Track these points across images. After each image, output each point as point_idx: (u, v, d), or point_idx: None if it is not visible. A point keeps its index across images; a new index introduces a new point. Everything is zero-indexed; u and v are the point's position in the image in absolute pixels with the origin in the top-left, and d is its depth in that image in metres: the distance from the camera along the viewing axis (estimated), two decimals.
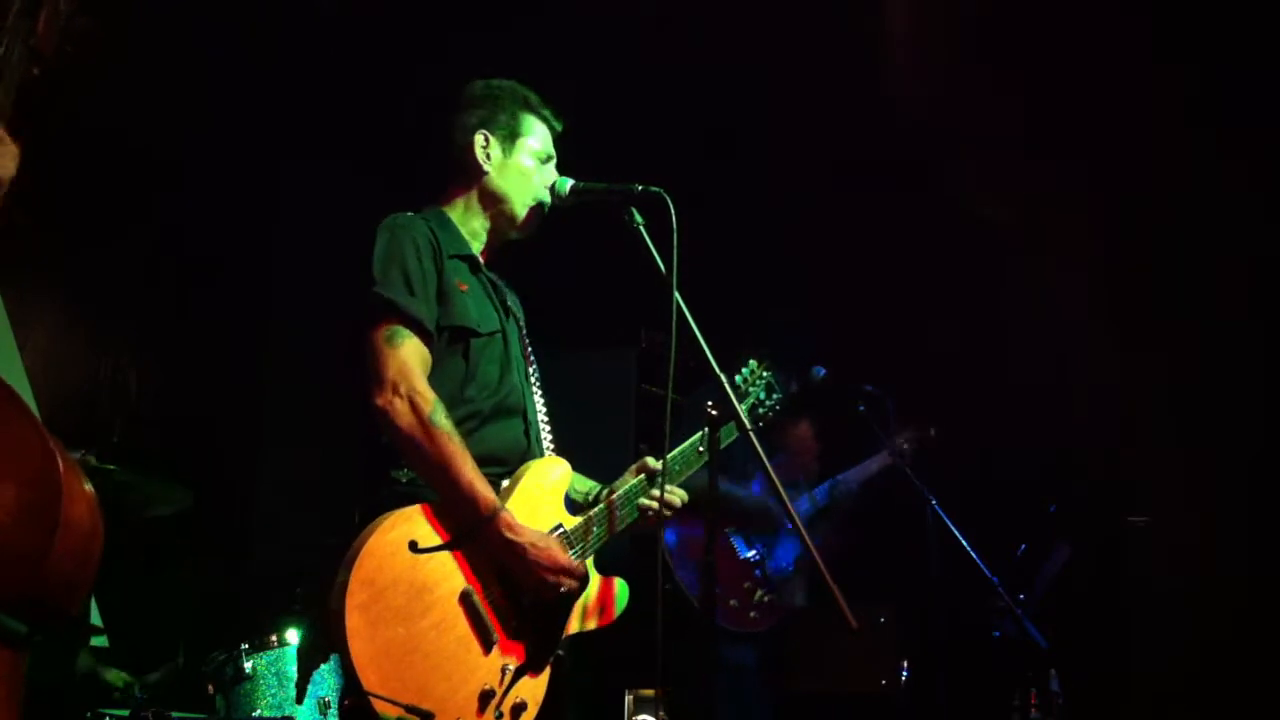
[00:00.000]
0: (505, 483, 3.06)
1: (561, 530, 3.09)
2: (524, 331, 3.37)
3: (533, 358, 3.34)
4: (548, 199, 3.27)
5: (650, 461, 3.28)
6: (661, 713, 3.27)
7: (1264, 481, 5.08)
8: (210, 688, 4.43)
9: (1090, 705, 4.99)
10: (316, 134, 5.67)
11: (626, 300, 4.87)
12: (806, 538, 2.74)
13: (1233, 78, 5.07)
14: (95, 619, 4.71)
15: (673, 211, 2.94)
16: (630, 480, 3.27)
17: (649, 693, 3.59)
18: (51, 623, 2.20)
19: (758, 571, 5.07)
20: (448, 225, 3.22)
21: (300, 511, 5.45)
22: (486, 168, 3.26)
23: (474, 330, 3.10)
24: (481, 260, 3.27)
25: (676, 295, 2.93)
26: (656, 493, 3.21)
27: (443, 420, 2.89)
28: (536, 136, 3.31)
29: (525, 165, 3.27)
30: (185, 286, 5.55)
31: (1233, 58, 5.05)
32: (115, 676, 4.47)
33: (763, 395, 3.59)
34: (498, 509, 2.90)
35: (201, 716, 4.44)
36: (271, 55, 5.40)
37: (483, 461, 2.97)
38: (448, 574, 2.84)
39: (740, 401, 3.40)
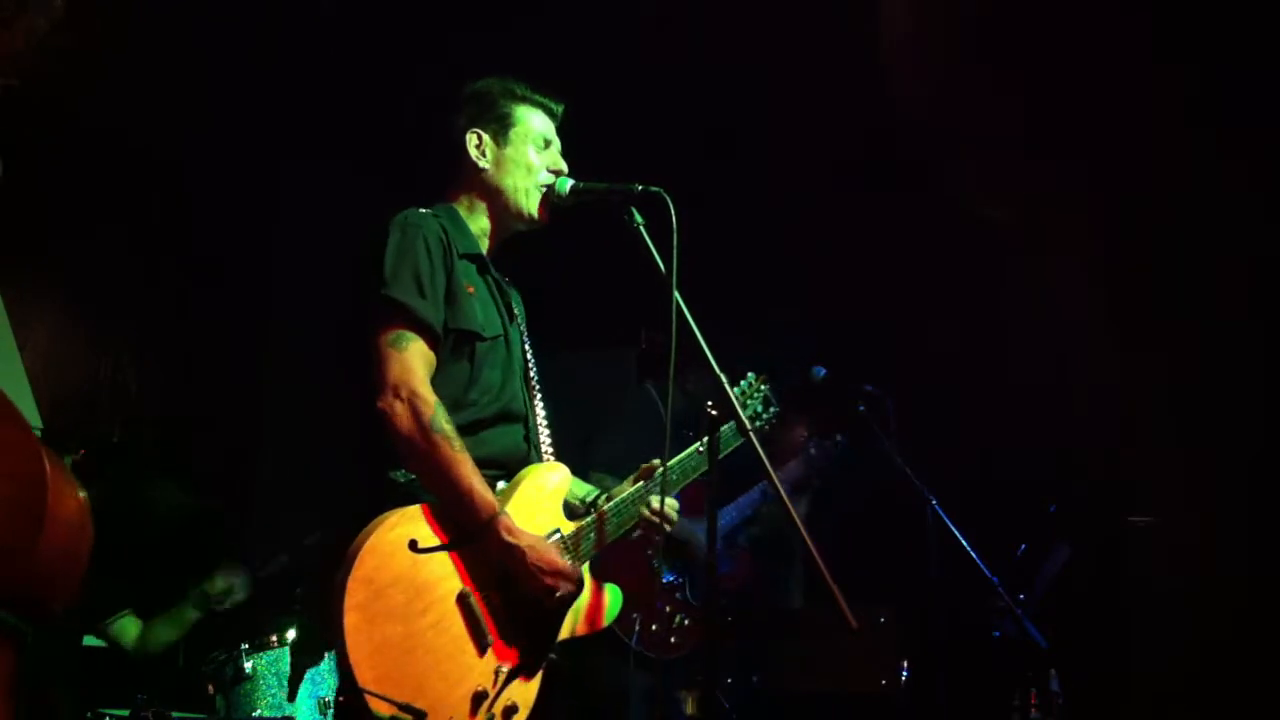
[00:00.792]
0: (502, 484, 3.07)
1: (559, 535, 3.09)
2: (525, 334, 3.37)
3: (533, 361, 3.34)
4: (551, 180, 3.27)
5: (656, 463, 3.28)
6: None
7: (1264, 481, 5.08)
8: (210, 688, 4.43)
9: (1090, 705, 4.98)
10: (316, 134, 5.68)
11: (626, 300, 4.87)
12: (809, 540, 2.72)
13: (1233, 77, 5.07)
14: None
15: (673, 211, 2.94)
16: (629, 488, 3.27)
17: None
18: (37, 616, 2.21)
19: (679, 595, 4.99)
20: (458, 222, 3.22)
21: (300, 511, 5.45)
22: (483, 164, 3.27)
23: (479, 334, 3.10)
24: (488, 260, 3.27)
25: (676, 295, 2.94)
26: (654, 502, 3.22)
27: (443, 424, 2.89)
28: (531, 122, 3.31)
29: (523, 154, 3.27)
30: (185, 286, 5.55)
31: (1233, 57, 5.05)
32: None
33: (759, 409, 3.61)
34: (497, 513, 2.91)
35: (201, 716, 4.44)
36: (272, 55, 5.41)
37: (482, 465, 2.98)
38: (446, 575, 2.85)
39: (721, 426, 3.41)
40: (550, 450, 3.28)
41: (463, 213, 3.27)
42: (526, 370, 3.31)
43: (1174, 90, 5.16)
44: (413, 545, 2.80)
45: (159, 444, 5.22)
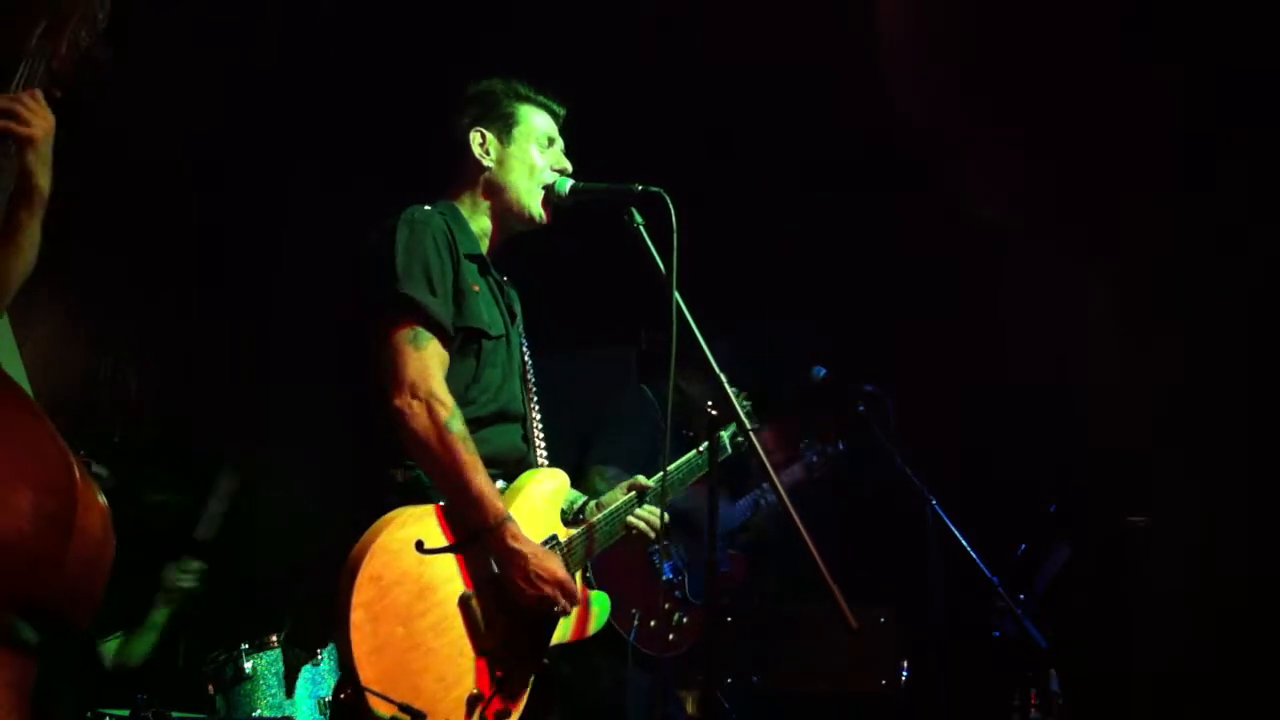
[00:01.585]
0: (501, 484, 3.07)
1: (556, 541, 3.10)
2: (523, 336, 3.37)
3: (530, 362, 3.34)
4: (553, 178, 3.27)
5: (642, 480, 3.31)
6: None
7: (1264, 481, 5.07)
8: (210, 688, 4.43)
9: (1090, 705, 4.99)
10: (317, 134, 5.67)
11: (626, 300, 4.87)
12: (809, 540, 2.73)
13: (1231, 77, 5.07)
14: None
15: (673, 211, 2.94)
16: (620, 497, 3.29)
17: None
18: (62, 632, 2.21)
19: (677, 593, 4.98)
20: (461, 221, 3.22)
21: (300, 511, 5.45)
22: (486, 163, 3.26)
23: (485, 333, 3.11)
24: (489, 260, 3.27)
25: (676, 295, 2.94)
26: (642, 511, 3.24)
27: (459, 427, 2.89)
28: (534, 122, 3.31)
29: (527, 152, 3.27)
30: (185, 286, 5.55)
31: (1232, 57, 5.05)
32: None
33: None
34: (505, 518, 2.91)
35: (201, 716, 4.44)
36: (273, 56, 5.40)
37: (483, 463, 2.98)
38: (450, 577, 2.86)
39: (722, 428, 3.43)
40: (545, 450, 3.29)
41: (465, 212, 3.27)
42: (525, 371, 3.31)
43: (1173, 89, 5.16)
44: (419, 545, 2.81)
45: (159, 444, 5.21)
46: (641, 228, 3.06)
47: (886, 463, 5.13)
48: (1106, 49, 5.21)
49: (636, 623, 4.69)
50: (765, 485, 5.20)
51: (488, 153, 3.27)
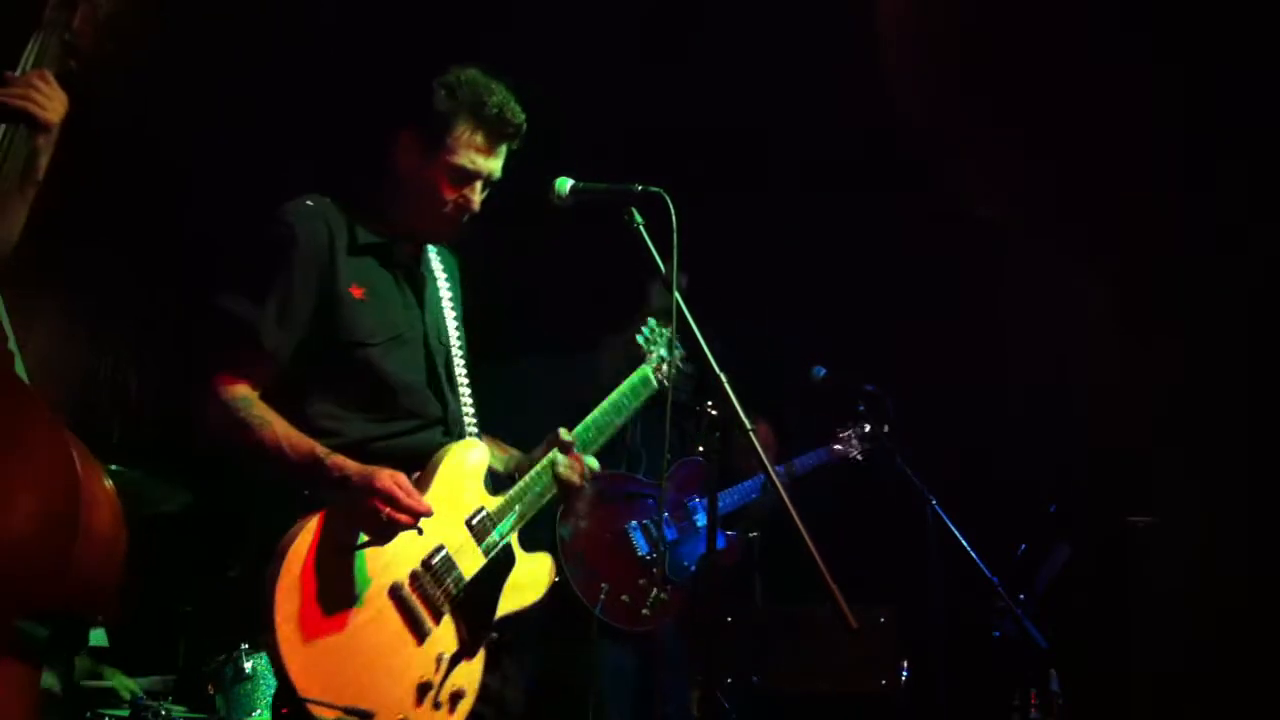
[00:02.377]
0: (417, 474, 2.99)
1: (484, 513, 3.06)
2: (449, 313, 3.28)
3: (458, 342, 3.25)
4: (451, 213, 3.13)
5: (563, 433, 3.23)
6: None
7: (1264, 481, 5.08)
8: (210, 688, 4.43)
9: (1090, 705, 4.98)
10: (317, 134, 5.67)
11: (626, 300, 4.88)
12: (808, 538, 2.72)
13: (1231, 77, 5.07)
14: (99, 639, 4.70)
15: (673, 211, 2.93)
16: (544, 456, 3.22)
17: None
18: (76, 629, 2.20)
19: (656, 570, 4.89)
20: (366, 212, 3.10)
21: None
22: (403, 168, 3.12)
23: (364, 343, 3.00)
24: (403, 249, 3.16)
25: (676, 295, 2.93)
26: (562, 462, 3.18)
27: (249, 411, 2.84)
28: (464, 150, 3.08)
29: (439, 178, 3.09)
30: (186, 286, 5.55)
31: (1231, 57, 5.05)
32: (120, 683, 4.48)
33: (665, 352, 3.54)
34: (320, 455, 2.80)
35: (202, 717, 4.43)
36: (273, 56, 5.40)
37: (408, 465, 2.94)
38: (374, 571, 2.81)
39: (645, 361, 3.41)
40: (476, 434, 3.22)
41: (380, 199, 3.15)
42: (449, 358, 3.21)
43: (1173, 89, 5.16)
44: (335, 548, 2.75)
45: (159, 444, 5.21)
46: (641, 228, 3.04)
47: (886, 463, 5.13)
48: (1106, 48, 5.21)
49: (604, 596, 4.67)
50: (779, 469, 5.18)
51: (407, 157, 3.12)
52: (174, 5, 4.85)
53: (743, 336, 4.86)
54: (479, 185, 3.14)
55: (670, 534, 5.01)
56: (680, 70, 5.55)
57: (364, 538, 2.80)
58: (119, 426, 5.15)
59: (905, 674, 5.15)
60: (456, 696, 2.88)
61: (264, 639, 2.65)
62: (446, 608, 2.90)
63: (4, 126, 2.31)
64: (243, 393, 2.86)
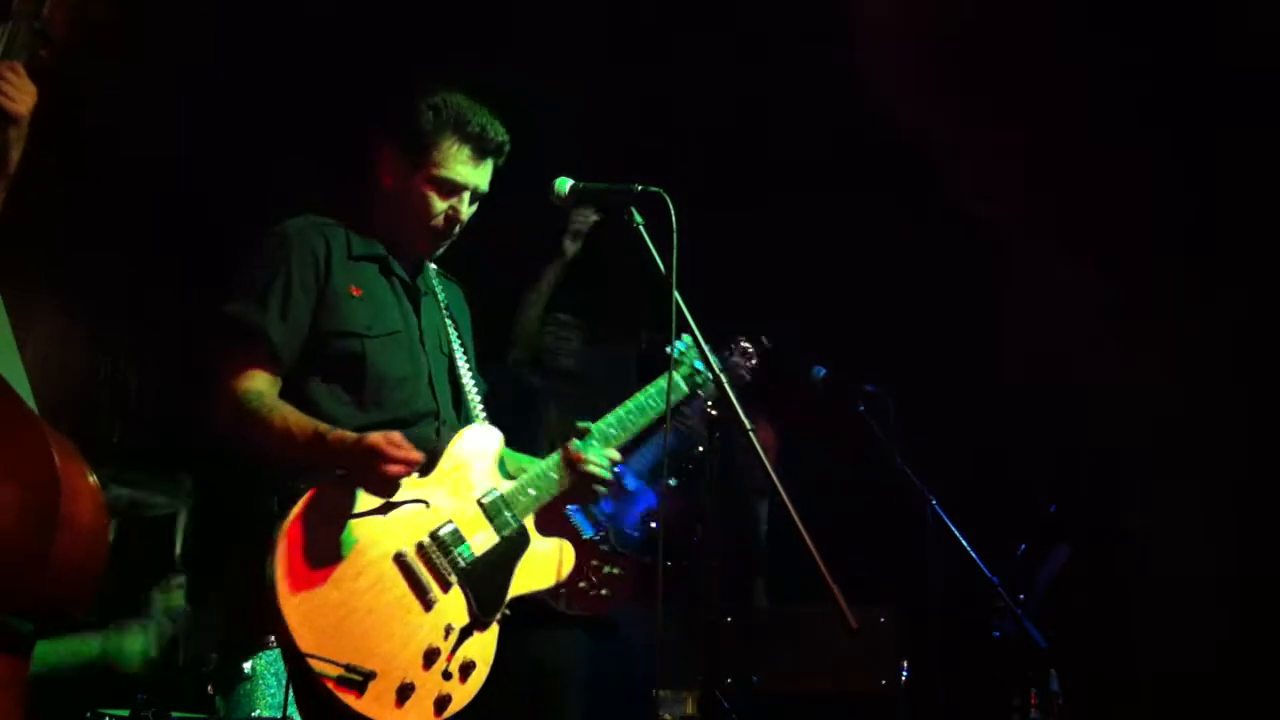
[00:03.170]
0: (416, 477, 2.99)
1: (497, 493, 3.09)
2: (451, 331, 3.33)
3: (460, 353, 3.30)
4: (441, 227, 3.18)
5: (580, 425, 3.26)
6: None
7: (1264, 481, 5.08)
8: (210, 688, 4.43)
9: (1090, 705, 4.99)
10: (317, 135, 5.67)
11: (626, 300, 4.88)
12: (808, 539, 2.72)
13: (1230, 78, 5.07)
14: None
15: (672, 211, 2.94)
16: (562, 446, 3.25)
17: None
18: (57, 622, 2.20)
19: (604, 547, 4.89)
20: (361, 226, 3.18)
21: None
22: (386, 184, 3.18)
23: (362, 334, 3.06)
24: (392, 260, 3.21)
25: (676, 294, 2.94)
26: (592, 454, 3.19)
27: (261, 402, 2.90)
28: (447, 165, 3.14)
29: (422, 193, 3.15)
30: (185, 286, 5.55)
31: (1230, 57, 5.06)
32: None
33: (699, 365, 3.54)
34: (323, 432, 2.86)
35: (202, 716, 4.44)
36: (272, 55, 5.40)
37: None
38: (378, 538, 2.85)
39: (675, 369, 3.42)
40: None
41: (368, 216, 3.21)
42: (446, 362, 3.26)
43: (1168, 90, 5.17)
44: (338, 514, 2.80)
45: (159, 444, 5.22)
46: (641, 227, 3.05)
47: (886, 463, 5.13)
48: (1104, 50, 5.21)
49: (564, 590, 4.59)
50: (686, 411, 4.96)
51: (390, 173, 3.17)
52: (174, 5, 4.86)
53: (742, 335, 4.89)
54: (467, 197, 3.19)
55: (607, 506, 4.94)
56: (680, 69, 5.56)
57: (364, 505, 2.84)
58: (119, 426, 5.15)
59: (905, 674, 5.15)
60: (468, 668, 2.90)
61: (265, 603, 2.67)
62: (455, 579, 2.92)
63: None
64: (255, 387, 2.93)
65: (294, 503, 2.79)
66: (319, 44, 5.42)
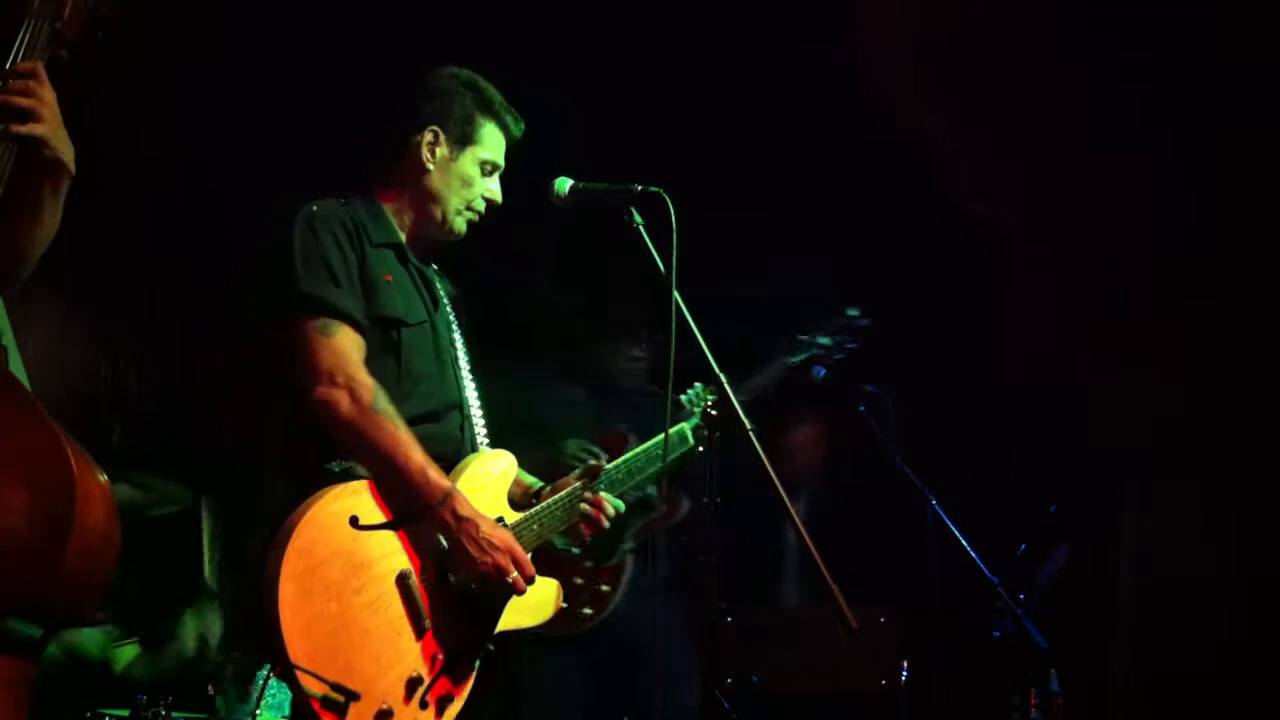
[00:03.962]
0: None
1: (500, 520, 3.06)
2: (459, 321, 3.33)
3: (464, 350, 3.29)
4: (481, 209, 3.22)
5: (597, 463, 3.27)
6: None
7: (1264, 481, 5.08)
8: (210, 688, 4.43)
9: (1090, 705, 4.99)
10: (318, 134, 5.67)
11: (626, 300, 4.87)
12: (808, 539, 2.72)
13: (1230, 78, 5.07)
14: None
15: (672, 211, 2.94)
16: (574, 483, 3.24)
17: None
18: (68, 626, 2.19)
19: (588, 562, 4.70)
20: (379, 214, 3.16)
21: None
22: (429, 166, 3.19)
23: (402, 321, 3.06)
24: (408, 248, 3.21)
25: (676, 295, 2.93)
26: (590, 495, 3.20)
27: (384, 405, 2.85)
28: (489, 145, 3.23)
29: (469, 173, 3.20)
30: (186, 286, 5.55)
31: (1227, 58, 5.06)
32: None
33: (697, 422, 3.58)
34: (450, 492, 2.86)
35: (202, 716, 4.44)
36: (272, 54, 5.40)
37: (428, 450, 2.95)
38: (386, 553, 2.80)
39: (686, 420, 3.41)
40: (485, 438, 3.23)
41: (390, 205, 3.21)
42: (459, 356, 3.25)
43: (1168, 90, 5.17)
44: (354, 521, 2.75)
45: (159, 444, 5.21)
46: (641, 227, 3.04)
47: (887, 463, 5.13)
48: (1105, 51, 5.21)
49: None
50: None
51: (432, 155, 3.19)
52: (178, 3, 4.86)
53: (742, 336, 4.88)
54: (498, 179, 3.26)
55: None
56: (680, 70, 5.56)
57: (376, 517, 2.80)
58: (119, 426, 5.14)
59: (905, 674, 5.15)
60: (445, 701, 2.85)
61: (264, 596, 2.62)
62: (451, 608, 2.89)
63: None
64: (369, 381, 2.88)
65: (307, 504, 2.75)
66: (322, 45, 5.42)
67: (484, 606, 2.97)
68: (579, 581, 4.60)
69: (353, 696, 2.62)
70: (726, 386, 2.90)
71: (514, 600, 3.02)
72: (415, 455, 2.85)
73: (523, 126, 3.28)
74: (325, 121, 5.66)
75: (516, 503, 3.20)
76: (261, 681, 4.13)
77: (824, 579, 2.71)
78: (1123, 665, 5.25)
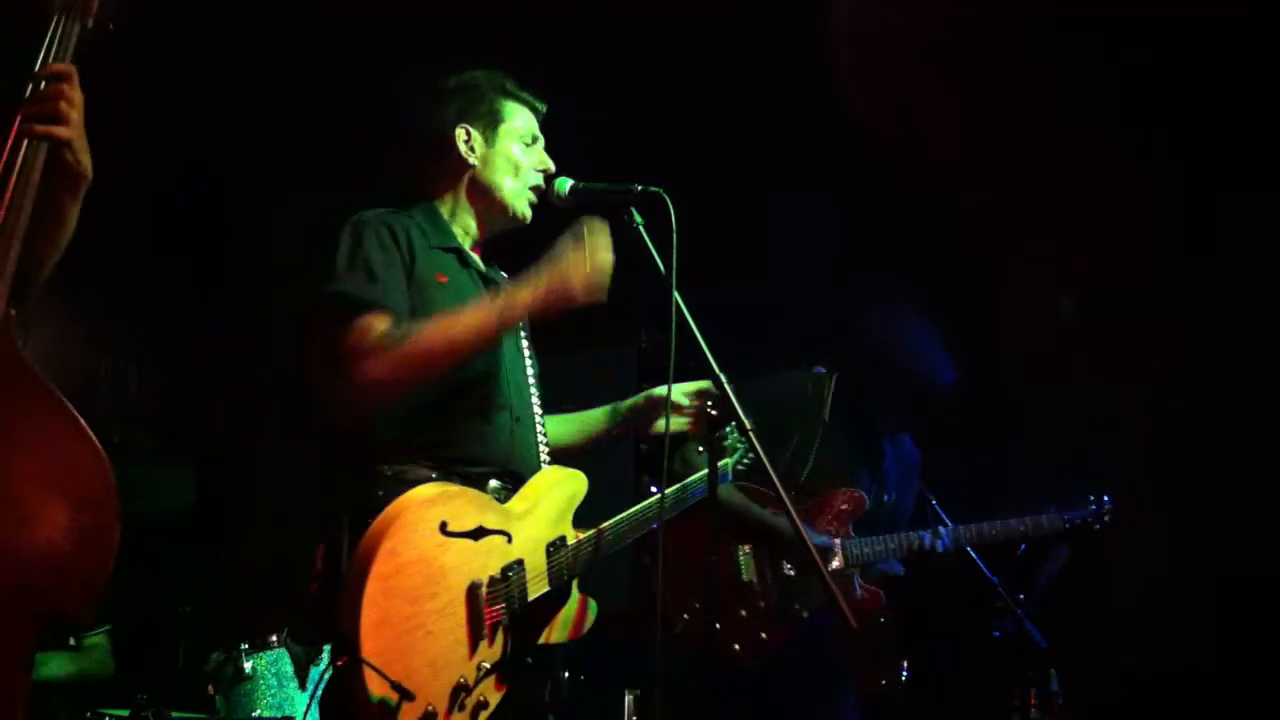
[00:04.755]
0: (493, 482, 3.01)
1: (564, 543, 3.07)
2: (527, 329, 3.32)
3: (530, 358, 3.29)
4: (540, 181, 3.23)
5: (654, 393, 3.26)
6: None
7: (1263, 480, 5.08)
8: (210, 688, 4.44)
9: (1090, 705, 4.99)
10: (318, 134, 5.68)
11: (627, 300, 4.86)
12: (809, 539, 2.72)
13: (1215, 77, 5.08)
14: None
15: (672, 211, 2.93)
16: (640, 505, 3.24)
17: None
18: (68, 632, 2.17)
19: (763, 603, 4.52)
20: (436, 219, 3.17)
21: (300, 510, 5.45)
22: (472, 160, 3.20)
23: None
24: (474, 254, 3.23)
25: (676, 295, 2.93)
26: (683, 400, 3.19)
27: (398, 329, 2.86)
28: (519, 119, 3.25)
29: (512, 151, 3.21)
30: (185, 286, 5.56)
31: (1220, 58, 5.07)
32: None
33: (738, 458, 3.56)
34: (496, 304, 2.92)
35: (202, 716, 4.44)
36: (272, 55, 5.40)
37: (465, 461, 2.96)
38: (463, 561, 2.83)
39: (727, 455, 3.39)
40: (546, 444, 3.24)
41: (444, 210, 3.21)
42: (523, 362, 3.25)
43: (1168, 90, 5.17)
44: (443, 528, 2.79)
45: (159, 444, 5.22)
46: (641, 227, 3.04)
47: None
48: (1105, 50, 5.22)
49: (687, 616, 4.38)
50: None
51: (473, 150, 3.20)
52: (181, 4, 4.86)
53: (743, 337, 4.88)
54: (542, 148, 3.27)
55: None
56: (681, 69, 5.57)
57: (462, 525, 2.82)
58: (119, 426, 5.15)
59: (905, 674, 5.15)
60: (480, 707, 2.87)
61: (349, 588, 2.65)
62: (505, 620, 2.91)
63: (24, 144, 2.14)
64: (386, 330, 2.88)
65: (401, 505, 2.76)
66: (323, 46, 5.43)
67: (531, 622, 2.99)
68: (742, 614, 4.46)
69: (407, 696, 2.65)
70: (726, 386, 2.90)
71: (558, 615, 3.07)
72: (452, 326, 2.88)
73: (544, 102, 3.31)
74: (325, 122, 5.66)
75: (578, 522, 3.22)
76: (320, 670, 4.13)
77: (824, 579, 2.72)
78: (1122, 664, 5.26)
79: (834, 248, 5.91)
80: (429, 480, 2.89)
